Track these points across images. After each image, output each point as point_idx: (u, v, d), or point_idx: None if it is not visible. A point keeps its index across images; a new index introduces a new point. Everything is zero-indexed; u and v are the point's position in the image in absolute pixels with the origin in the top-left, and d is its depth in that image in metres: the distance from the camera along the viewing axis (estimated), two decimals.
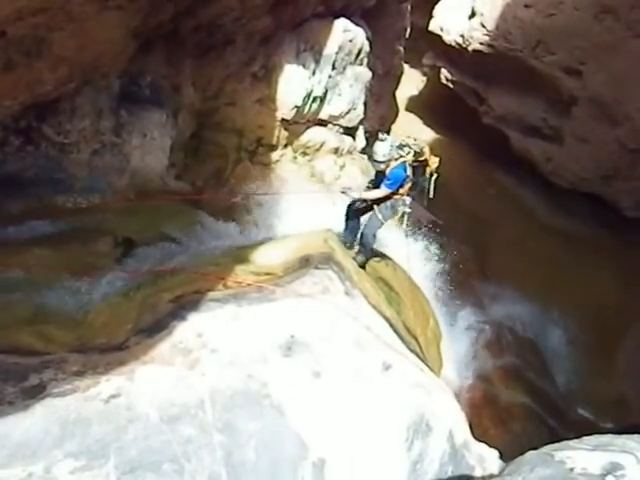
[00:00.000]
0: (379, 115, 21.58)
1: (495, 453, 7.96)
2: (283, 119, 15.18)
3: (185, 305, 7.44)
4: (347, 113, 17.21)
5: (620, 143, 21.53)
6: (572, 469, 5.67)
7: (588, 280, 19.72)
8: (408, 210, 10.16)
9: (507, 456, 7.26)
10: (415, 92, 33.23)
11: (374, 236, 10.48)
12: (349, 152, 17.88)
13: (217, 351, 6.68)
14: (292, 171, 15.69)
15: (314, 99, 15.65)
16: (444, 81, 29.51)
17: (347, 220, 10.88)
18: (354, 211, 10.70)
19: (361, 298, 8.60)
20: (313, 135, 16.53)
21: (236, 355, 6.65)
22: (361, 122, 18.26)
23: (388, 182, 9.83)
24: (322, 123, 16.81)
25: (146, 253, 9.36)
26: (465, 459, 7.37)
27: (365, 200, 10.40)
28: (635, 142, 20.95)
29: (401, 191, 10.03)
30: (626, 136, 21.21)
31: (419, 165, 10.10)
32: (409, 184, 10.07)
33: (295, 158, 16.14)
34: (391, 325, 8.89)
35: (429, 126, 30.15)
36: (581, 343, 17.63)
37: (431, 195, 10.43)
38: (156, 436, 5.55)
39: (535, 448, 6.44)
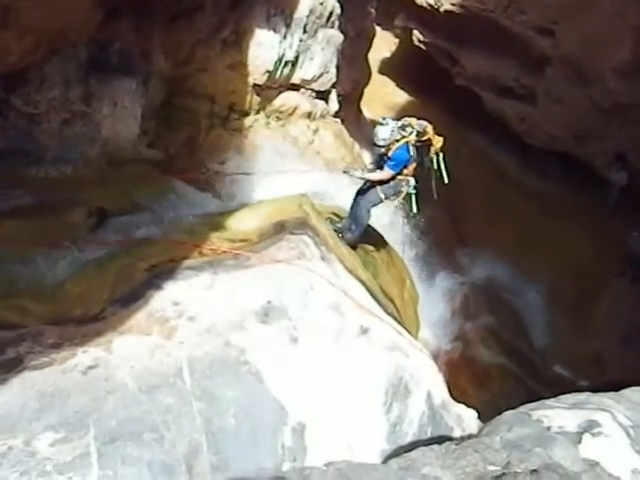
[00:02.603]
0: (352, 78, 21.49)
1: (473, 413, 8.04)
2: (255, 84, 15.07)
3: (161, 274, 7.40)
4: (319, 77, 17.14)
5: (593, 102, 21.56)
6: (549, 428, 5.71)
7: (563, 240, 19.80)
8: (412, 191, 10.10)
9: (485, 416, 7.31)
10: (387, 54, 33.15)
11: (369, 211, 10.39)
12: (322, 116, 17.84)
13: (194, 319, 6.67)
14: (265, 136, 15.62)
15: (286, 63, 15.55)
16: (416, 43, 29.47)
17: (353, 205, 10.83)
18: (359, 192, 10.62)
19: (337, 262, 8.60)
20: (286, 100, 16.47)
21: (213, 323, 6.64)
22: (333, 85, 18.20)
23: (391, 164, 9.84)
24: (294, 87, 16.73)
25: (120, 223, 9.24)
26: (444, 420, 7.44)
27: (368, 180, 10.32)
28: (608, 101, 20.97)
29: (405, 172, 10.02)
30: (599, 95, 21.23)
31: (423, 145, 10.04)
32: (414, 164, 10.04)
33: (268, 123, 16.06)
34: (367, 289, 8.91)
35: (402, 88, 30.09)
36: (557, 303, 17.77)
37: (445, 178, 10.37)
38: (135, 406, 5.54)
39: (513, 408, 6.49)
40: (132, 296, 7.04)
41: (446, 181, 10.34)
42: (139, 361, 6.04)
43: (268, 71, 14.99)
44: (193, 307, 6.83)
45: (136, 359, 6.05)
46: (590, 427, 5.66)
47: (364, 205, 10.29)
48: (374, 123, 10.06)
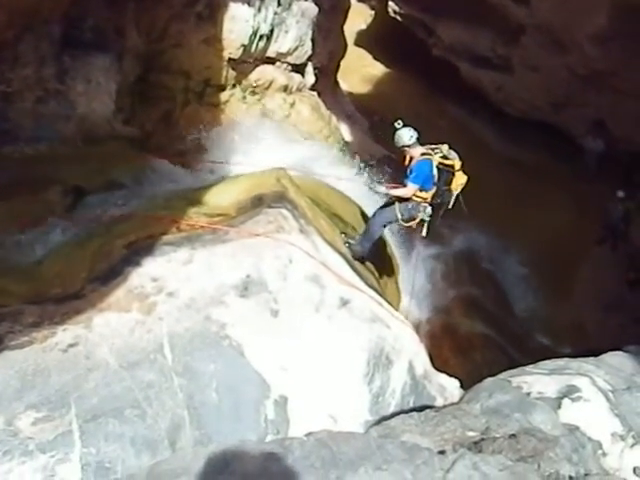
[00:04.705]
0: (327, 50, 21.39)
1: (456, 382, 8.10)
2: (230, 59, 14.96)
3: (139, 250, 7.38)
4: (295, 50, 17.05)
5: (570, 70, 21.60)
6: (529, 394, 5.79)
7: (543, 209, 19.85)
8: (427, 218, 10.09)
9: (468, 385, 7.38)
10: (363, 26, 33.06)
11: (382, 227, 10.45)
12: (299, 89, 17.77)
13: (173, 295, 6.66)
14: (242, 111, 15.56)
15: (261, 37, 15.44)
16: (392, 14, 29.40)
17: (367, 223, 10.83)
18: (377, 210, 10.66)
19: (316, 235, 8.59)
20: (261, 74, 16.36)
21: (193, 298, 6.64)
22: (309, 58, 18.11)
23: (412, 175, 9.79)
24: (270, 61, 16.63)
25: (97, 200, 9.22)
26: (426, 390, 7.49)
27: (390, 197, 10.30)
28: (585, 68, 21.01)
29: (424, 195, 9.96)
30: (575, 63, 21.26)
31: (445, 170, 10.01)
32: (433, 190, 10.01)
33: (244, 98, 15.98)
34: (347, 261, 8.92)
35: (378, 60, 30.04)
36: (538, 272, 17.84)
37: (449, 206, 10.42)
38: (116, 383, 5.55)
39: (494, 375, 6.55)
40: (111, 273, 7.02)
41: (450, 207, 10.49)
42: (119, 338, 6.04)
43: (243, 45, 14.87)
44: (172, 283, 6.82)
45: (116, 336, 6.06)
46: (570, 392, 5.73)
47: (379, 221, 10.31)
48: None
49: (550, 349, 15.00)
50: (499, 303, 16.95)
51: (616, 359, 6.92)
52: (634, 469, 5.29)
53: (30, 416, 5.11)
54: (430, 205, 10.03)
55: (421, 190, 9.83)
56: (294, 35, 16.80)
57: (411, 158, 9.95)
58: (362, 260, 10.26)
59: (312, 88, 18.69)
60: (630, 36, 18.48)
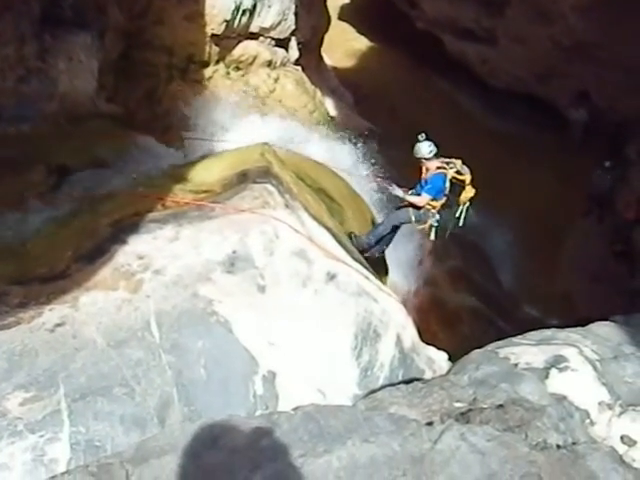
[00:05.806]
0: (311, 25, 21.25)
1: (444, 355, 8.12)
2: (213, 34, 14.91)
3: (124, 228, 7.34)
4: (278, 24, 17.00)
5: (554, 41, 21.56)
6: (516, 364, 5.81)
7: (529, 181, 19.91)
8: (435, 224, 10.64)
9: (457, 357, 7.38)
10: (347, 0, 32.84)
11: (392, 228, 10.98)
12: (282, 64, 17.74)
13: (160, 272, 6.63)
14: (225, 87, 15.51)
15: (243, 12, 15.38)
16: None
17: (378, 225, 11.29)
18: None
19: (302, 210, 8.54)
20: (245, 49, 16.33)
21: (179, 275, 6.61)
22: (293, 33, 18.05)
23: (427, 187, 10.45)
24: (253, 36, 16.58)
25: (81, 179, 9.15)
26: (415, 363, 7.50)
27: (403, 201, 10.82)
28: (569, 40, 20.97)
29: (435, 203, 10.53)
30: (560, 34, 21.21)
31: (457, 185, 10.60)
32: (443, 200, 10.56)
33: (228, 73, 15.94)
34: (334, 235, 8.89)
35: (363, 34, 29.91)
36: (524, 244, 17.90)
37: (461, 223, 11.01)
38: (104, 361, 5.54)
39: (482, 347, 6.57)
40: (97, 252, 6.98)
41: (461, 225, 11.03)
42: (106, 316, 6.02)
43: (226, 20, 14.81)
44: (158, 260, 6.80)
45: (103, 315, 6.04)
46: (557, 362, 5.75)
47: (391, 220, 10.96)
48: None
49: (538, 320, 15.07)
50: (486, 275, 17.01)
51: (603, 329, 6.95)
52: (622, 437, 5.32)
53: (18, 396, 5.10)
54: (438, 213, 10.59)
55: (432, 200, 10.42)
56: (277, 10, 16.73)
57: (427, 169, 10.56)
58: (364, 252, 10.46)
59: (296, 63, 18.65)
60: (612, 6, 18.44)
